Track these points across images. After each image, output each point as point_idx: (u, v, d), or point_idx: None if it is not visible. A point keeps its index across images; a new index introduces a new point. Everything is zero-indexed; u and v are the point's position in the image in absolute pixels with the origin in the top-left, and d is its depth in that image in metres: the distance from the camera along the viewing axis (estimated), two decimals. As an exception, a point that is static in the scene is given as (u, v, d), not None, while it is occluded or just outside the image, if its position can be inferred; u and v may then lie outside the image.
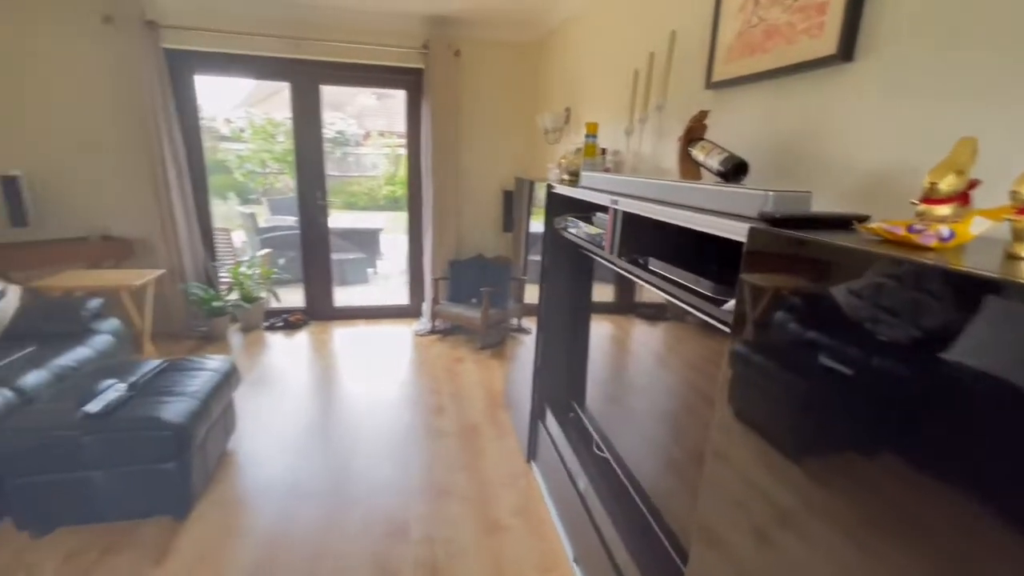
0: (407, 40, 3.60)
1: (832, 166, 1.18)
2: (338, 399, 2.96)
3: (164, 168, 3.39)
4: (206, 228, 3.84)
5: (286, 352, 3.61)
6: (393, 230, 7.05)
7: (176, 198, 3.48)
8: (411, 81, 3.82)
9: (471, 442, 2.54)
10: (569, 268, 2.11)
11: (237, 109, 9.08)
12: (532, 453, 2.37)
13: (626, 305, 1.68)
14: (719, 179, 1.39)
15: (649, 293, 1.43)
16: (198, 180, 3.72)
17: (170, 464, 1.84)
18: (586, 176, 1.77)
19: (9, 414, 1.87)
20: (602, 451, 1.81)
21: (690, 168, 1.54)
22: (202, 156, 3.77)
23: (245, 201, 8.42)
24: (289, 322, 4.05)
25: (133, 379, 2.04)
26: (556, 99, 3.40)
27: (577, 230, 1.80)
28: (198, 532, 1.88)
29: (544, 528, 1.99)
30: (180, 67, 3.46)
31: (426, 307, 4.07)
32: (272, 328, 4.00)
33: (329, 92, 3.85)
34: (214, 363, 2.29)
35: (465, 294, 3.87)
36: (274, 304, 4.13)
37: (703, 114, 1.50)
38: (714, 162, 1.39)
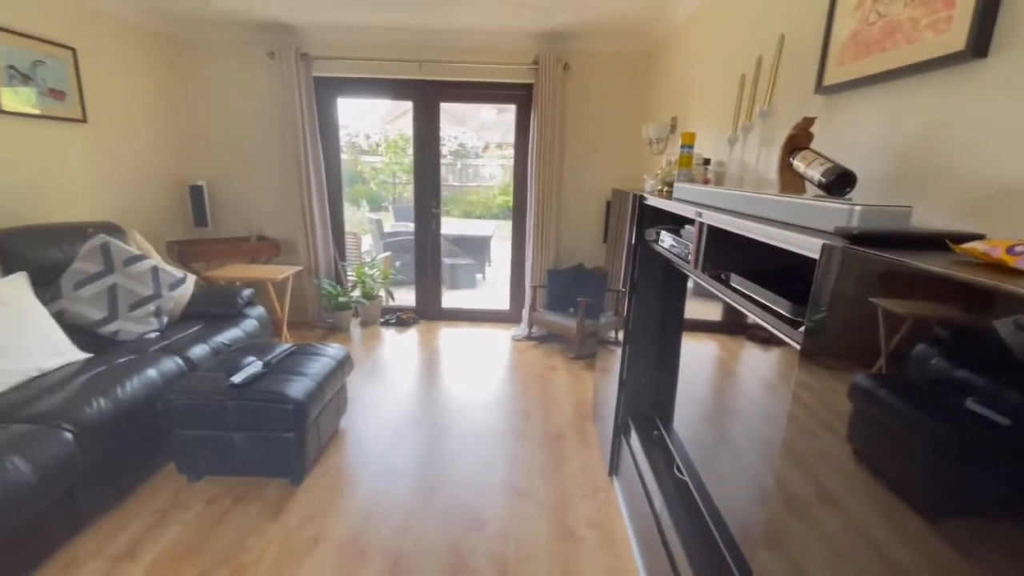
0: (518, 57, 3.76)
1: (958, 178, 1.03)
2: (437, 393, 3.16)
3: (308, 181, 3.92)
4: (338, 232, 4.36)
5: (397, 347, 3.94)
6: (504, 238, 7.34)
7: (316, 206, 4.01)
8: (521, 96, 3.98)
9: (554, 449, 2.57)
10: (659, 282, 2.06)
11: (376, 126, 10.12)
12: (614, 468, 2.34)
13: (729, 325, 1.60)
14: (821, 192, 1.28)
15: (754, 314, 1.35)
16: (334, 191, 4.24)
17: (290, 434, 2.13)
18: (677, 187, 1.72)
19: (180, 378, 2.31)
20: (682, 473, 1.74)
21: (791, 179, 1.43)
22: (339, 170, 4.28)
23: (375, 209, 9.34)
24: (401, 319, 4.42)
25: (268, 358, 2.39)
26: (662, 108, 3.32)
27: (667, 243, 1.75)
28: (308, 496, 2.15)
29: (618, 544, 1.95)
30: (326, 92, 4.00)
31: (524, 313, 4.18)
32: (386, 324, 4.40)
33: (453, 107, 4.15)
34: (332, 350, 2.60)
35: (562, 303, 3.91)
36: (390, 302, 4.54)
37: (808, 121, 1.39)
38: (815, 173, 1.28)
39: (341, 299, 4.16)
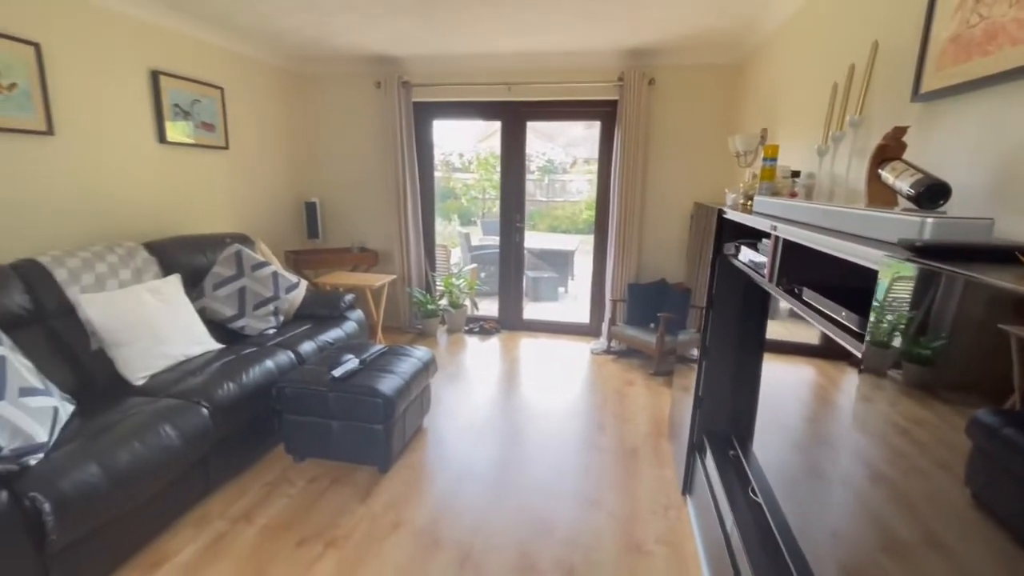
0: (603, 75, 3.84)
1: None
2: (515, 400, 3.28)
3: (404, 197, 4.27)
4: (429, 245, 4.67)
5: (479, 354, 4.12)
6: (587, 252, 7.37)
7: (410, 220, 4.34)
8: (606, 112, 4.04)
9: (627, 463, 2.56)
10: (739, 298, 2.01)
11: (469, 144, 10.66)
12: (688, 487, 2.28)
13: (824, 348, 1.54)
14: (912, 205, 1.21)
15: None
16: (427, 206, 4.57)
17: (379, 426, 2.34)
18: (757, 201, 1.69)
19: (291, 369, 2.63)
20: (757, 496, 1.67)
21: (880, 192, 1.36)
22: (432, 187, 4.61)
23: (465, 223, 9.79)
24: (484, 328, 4.61)
25: (364, 356, 2.65)
26: (751, 120, 3.21)
27: (745, 257, 1.72)
28: (392, 484, 2.34)
29: (688, 565, 1.91)
30: (423, 115, 4.34)
31: (604, 327, 4.18)
32: (470, 332, 4.61)
33: (543, 124, 4.32)
34: (419, 352, 2.82)
35: (643, 318, 3.86)
36: (474, 312, 4.76)
37: (899, 130, 1.33)
38: (904, 185, 1.22)
39: (430, 307, 4.44)
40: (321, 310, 3.32)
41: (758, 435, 1.85)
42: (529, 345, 4.35)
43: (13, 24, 2.32)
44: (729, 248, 1.89)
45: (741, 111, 3.54)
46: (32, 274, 2.21)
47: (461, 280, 4.69)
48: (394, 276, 4.27)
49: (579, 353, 4.15)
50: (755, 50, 3.26)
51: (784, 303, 1.66)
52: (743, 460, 1.88)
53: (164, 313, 2.47)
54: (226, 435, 2.23)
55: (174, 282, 2.66)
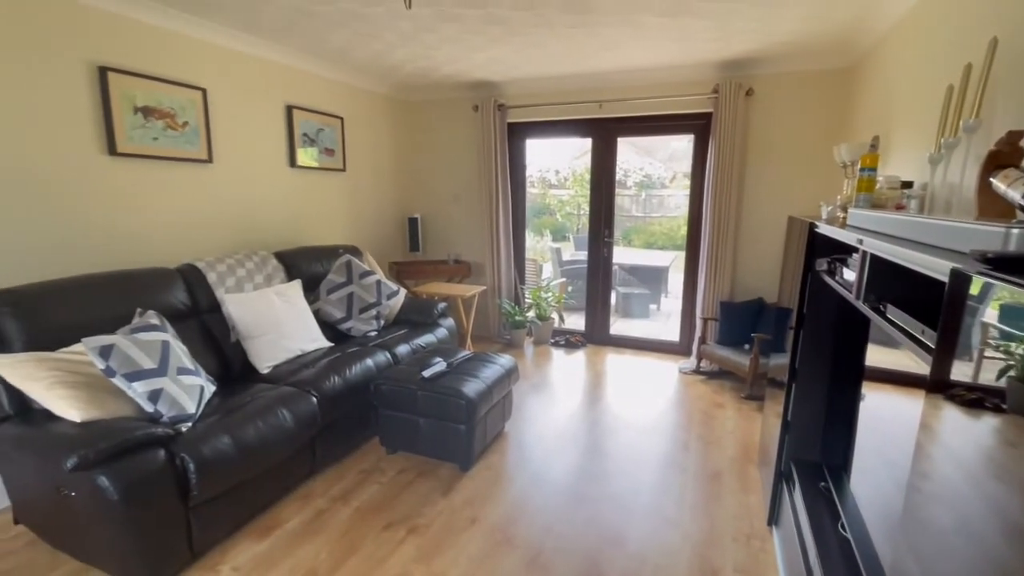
0: (696, 88, 3.76)
1: None
2: (596, 413, 3.28)
3: (497, 213, 4.49)
4: (519, 258, 4.84)
5: (563, 366, 4.17)
6: (682, 269, 7.12)
7: (502, 235, 4.55)
8: (699, 126, 3.95)
9: (710, 487, 2.45)
10: (833, 317, 1.88)
11: (565, 161, 10.84)
12: (774, 518, 2.14)
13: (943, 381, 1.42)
14: (1025, 215, 1.10)
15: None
16: (519, 222, 4.75)
17: (462, 425, 2.50)
18: (851, 213, 1.59)
19: (387, 368, 2.90)
20: (846, 531, 1.55)
21: (992, 202, 1.24)
22: (524, 204, 4.79)
23: (557, 238, 9.92)
24: (570, 342, 4.65)
25: (451, 360, 2.84)
26: (861, 128, 2.96)
27: (836, 273, 1.62)
28: (472, 482, 2.48)
29: (769, 598, 1.80)
30: (517, 135, 4.55)
31: (694, 346, 4.02)
32: (556, 344, 4.68)
33: (640, 139, 4.32)
34: (503, 360, 2.95)
35: (736, 338, 3.67)
36: (561, 325, 4.82)
37: (1014, 135, 1.20)
38: (1017, 194, 1.11)
39: (518, 318, 4.59)
40: (417, 316, 3.60)
41: (856, 467, 1.71)
42: (614, 360, 4.32)
43: (188, 75, 2.88)
44: (821, 264, 1.79)
45: (850, 118, 3.27)
46: (192, 276, 2.69)
47: (549, 293, 4.79)
48: (485, 287, 4.48)
49: (666, 371, 4.04)
50: (867, 53, 3.02)
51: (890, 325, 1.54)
52: (834, 493, 1.74)
53: (287, 313, 2.86)
54: (331, 423, 2.51)
55: (296, 286, 3.06)
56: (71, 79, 2.38)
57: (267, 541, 2.05)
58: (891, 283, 1.20)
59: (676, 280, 7.23)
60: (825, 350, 1.94)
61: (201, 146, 2.96)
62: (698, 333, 3.94)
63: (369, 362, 2.83)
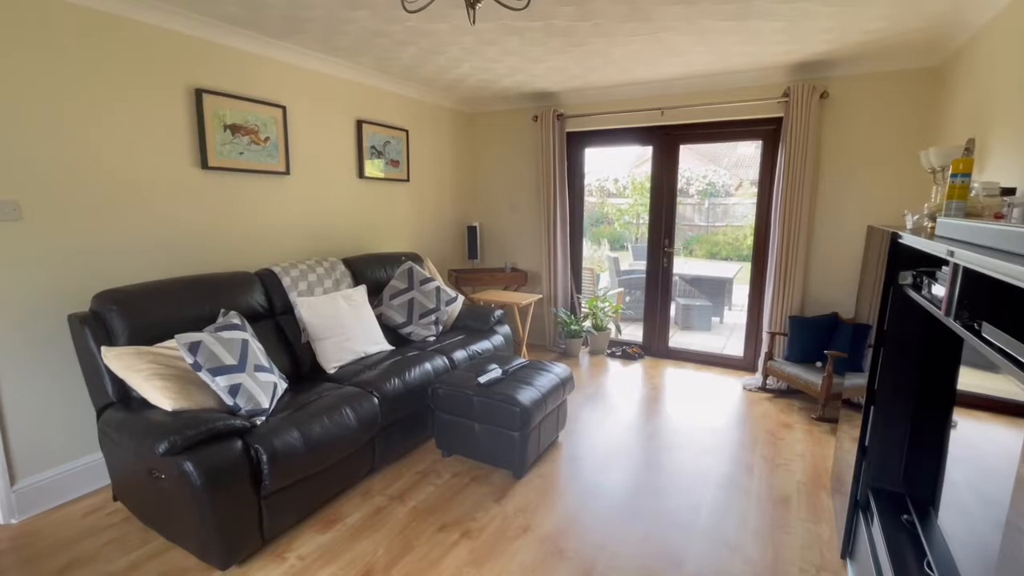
0: (765, 92, 3.61)
1: None
2: (653, 427, 3.19)
3: (554, 222, 4.50)
4: (576, 267, 4.82)
5: (620, 377, 4.10)
6: (747, 281, 6.82)
7: (559, 244, 4.55)
8: (767, 131, 3.78)
9: (776, 512, 2.32)
10: (919, 334, 1.73)
11: (624, 170, 10.70)
12: (849, 551, 1.99)
13: None
14: None
15: None
16: (576, 230, 4.74)
17: (516, 432, 2.51)
18: (940, 223, 1.47)
19: (444, 373, 2.97)
20: (932, 570, 1.41)
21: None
22: (581, 213, 4.77)
23: (615, 248, 9.77)
24: (627, 353, 4.56)
25: (507, 367, 2.87)
26: (951, 131, 2.72)
27: (923, 287, 1.50)
28: (525, 490, 2.48)
29: (841, 636, 1.67)
30: (575, 145, 4.56)
31: (760, 362, 3.83)
32: (612, 355, 4.60)
33: (704, 146, 4.21)
34: (557, 369, 2.94)
35: (807, 355, 3.46)
36: (617, 336, 4.74)
37: None
38: None
39: (573, 327, 4.56)
40: (473, 323, 3.66)
41: (945, 503, 1.56)
42: (673, 374, 4.18)
43: (270, 93, 3.11)
44: (905, 278, 1.66)
45: (939, 121, 3.02)
46: (269, 280, 2.89)
47: (606, 303, 4.73)
48: (541, 296, 4.49)
49: (729, 388, 3.86)
50: (959, 50, 2.78)
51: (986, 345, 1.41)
52: (919, 527, 1.60)
53: (353, 316, 3.00)
54: (390, 424, 2.60)
55: (362, 291, 3.21)
56: (173, 100, 2.65)
57: (329, 533, 2.15)
58: (988, 299, 1.10)
59: (740, 292, 6.94)
60: (909, 371, 1.79)
61: (280, 159, 3.19)
62: (764, 348, 3.74)
63: (428, 366, 2.91)
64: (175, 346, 2.17)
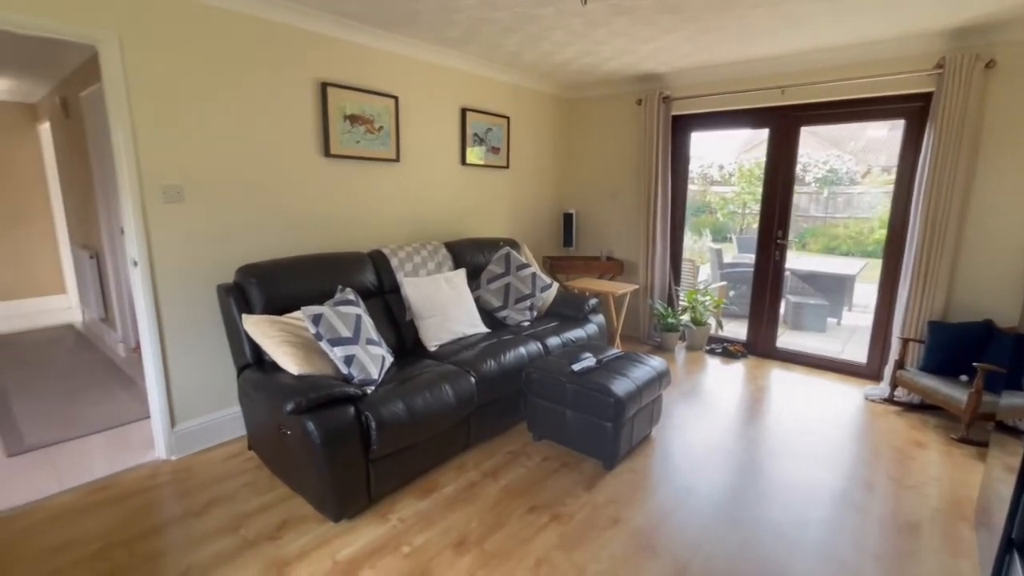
0: (911, 63, 3.15)
1: None
2: (755, 431, 2.99)
3: (655, 210, 4.33)
4: (676, 258, 4.61)
5: (719, 376, 3.88)
6: (870, 280, 6.10)
7: (659, 233, 4.38)
8: (912, 109, 3.31)
9: (902, 538, 2.07)
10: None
11: (730, 156, 9.99)
12: (998, 592, 1.72)
13: None
14: None
15: None
16: (677, 220, 4.52)
17: (609, 423, 2.48)
18: None
19: (538, 358, 3.00)
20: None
21: None
22: (685, 201, 4.54)
23: (718, 239, 9.20)
24: (728, 351, 4.30)
25: (601, 357, 2.83)
26: None
27: None
28: (615, 481, 2.45)
29: None
30: (681, 128, 4.33)
31: (887, 371, 3.42)
32: (711, 352, 4.36)
33: (825, 129, 3.83)
34: (654, 362, 2.85)
35: (948, 366, 3.02)
36: (718, 332, 4.48)
37: None
38: None
39: (670, 320, 4.38)
40: (567, 310, 3.65)
41: None
42: (780, 376, 3.88)
43: (384, 85, 3.30)
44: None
45: None
46: (379, 261, 3.10)
47: (707, 297, 4.48)
48: (637, 286, 4.37)
49: (848, 396, 3.50)
50: None
51: None
52: (1099, 578, 1.34)
53: (453, 298, 3.13)
54: (485, 403, 2.69)
55: (461, 275, 3.33)
56: (302, 94, 2.90)
57: (426, 501, 2.29)
58: None
59: (863, 292, 6.22)
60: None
61: (391, 147, 3.38)
62: (894, 356, 3.33)
63: (522, 350, 2.96)
64: (300, 317, 2.40)
